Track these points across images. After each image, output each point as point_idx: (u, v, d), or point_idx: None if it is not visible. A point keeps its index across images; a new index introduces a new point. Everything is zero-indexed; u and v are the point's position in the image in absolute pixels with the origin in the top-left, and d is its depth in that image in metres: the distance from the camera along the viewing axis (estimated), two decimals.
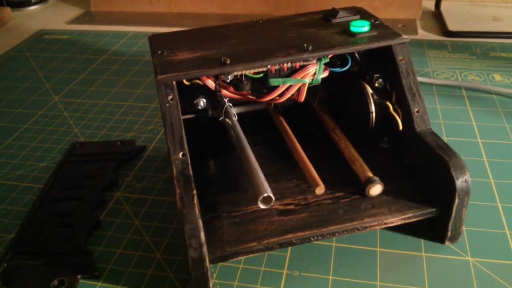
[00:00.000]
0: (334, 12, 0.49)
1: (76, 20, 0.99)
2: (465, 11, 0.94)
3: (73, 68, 0.79)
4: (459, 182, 0.39)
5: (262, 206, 0.39)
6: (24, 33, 0.94)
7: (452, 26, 0.84)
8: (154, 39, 0.48)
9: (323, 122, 0.51)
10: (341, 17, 0.48)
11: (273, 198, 0.39)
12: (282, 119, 0.51)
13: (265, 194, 0.39)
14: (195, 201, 0.36)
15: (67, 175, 0.53)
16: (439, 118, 0.60)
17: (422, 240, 0.43)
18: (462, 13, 0.93)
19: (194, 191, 0.37)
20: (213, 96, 0.50)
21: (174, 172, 0.39)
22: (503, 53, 0.76)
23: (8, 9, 1.01)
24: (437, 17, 0.91)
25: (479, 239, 0.43)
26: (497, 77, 0.69)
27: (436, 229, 0.43)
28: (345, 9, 0.50)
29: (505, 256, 0.41)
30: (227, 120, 0.49)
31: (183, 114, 0.52)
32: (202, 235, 0.35)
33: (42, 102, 0.70)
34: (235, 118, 0.49)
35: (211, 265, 0.41)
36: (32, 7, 1.07)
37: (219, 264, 0.42)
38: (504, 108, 0.61)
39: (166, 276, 0.41)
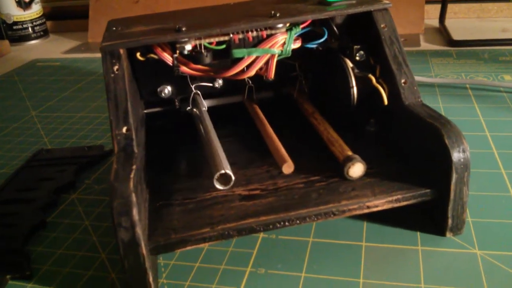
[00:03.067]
0: None
1: (72, 50, 0.98)
2: (472, 26, 0.88)
3: (58, 87, 0.76)
4: (456, 153, 0.32)
5: (219, 187, 0.33)
6: (19, 63, 0.93)
7: (457, 38, 0.79)
8: (114, 21, 0.44)
9: (302, 110, 0.45)
10: None
11: (232, 176, 0.33)
12: (256, 106, 0.45)
13: (222, 171, 0.33)
14: (132, 176, 0.30)
15: (23, 179, 0.48)
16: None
17: (418, 233, 0.35)
18: (469, 27, 0.87)
19: (134, 166, 0.31)
20: (180, 83, 0.45)
21: (116, 148, 0.33)
22: None
23: (6, 42, 1.01)
24: (441, 32, 0.86)
25: (489, 231, 0.35)
26: (507, 77, 0.62)
27: (434, 218, 0.35)
28: None
29: None
30: (194, 110, 0.44)
31: (149, 107, 0.47)
32: (135, 212, 0.29)
33: (19, 117, 0.66)
34: (204, 108, 0.44)
35: (160, 260, 0.35)
36: (32, 42, 1.07)
37: (172, 263, 0.35)
38: None
39: (107, 276, 0.34)
